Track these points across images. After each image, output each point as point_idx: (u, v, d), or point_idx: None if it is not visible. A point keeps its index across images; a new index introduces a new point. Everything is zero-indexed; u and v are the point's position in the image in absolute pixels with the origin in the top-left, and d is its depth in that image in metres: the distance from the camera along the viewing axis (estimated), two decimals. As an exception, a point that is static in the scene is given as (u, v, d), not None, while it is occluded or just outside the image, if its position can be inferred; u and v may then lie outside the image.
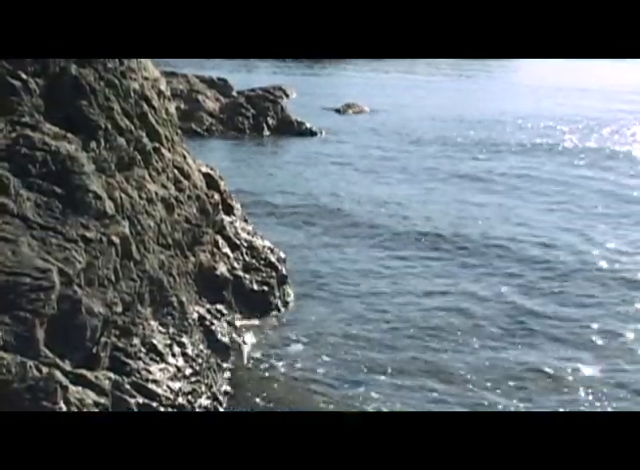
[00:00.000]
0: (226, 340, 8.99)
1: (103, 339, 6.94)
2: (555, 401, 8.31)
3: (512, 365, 9.13)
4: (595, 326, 10.36)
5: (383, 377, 8.72)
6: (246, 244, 11.07)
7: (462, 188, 18.50)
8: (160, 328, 7.96)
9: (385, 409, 7.90)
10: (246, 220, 12.11)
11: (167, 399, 7.26)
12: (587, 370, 9.09)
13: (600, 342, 9.92)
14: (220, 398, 7.87)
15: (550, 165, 21.59)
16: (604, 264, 12.86)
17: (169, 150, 9.80)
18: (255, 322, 9.85)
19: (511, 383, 8.69)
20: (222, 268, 10.01)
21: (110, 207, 7.77)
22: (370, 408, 7.92)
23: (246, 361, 8.91)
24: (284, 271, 11.08)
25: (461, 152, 23.27)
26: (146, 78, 9.63)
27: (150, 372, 7.32)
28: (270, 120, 26.88)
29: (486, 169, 20.68)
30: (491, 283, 11.88)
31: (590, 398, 8.46)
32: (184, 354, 7.94)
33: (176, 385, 7.50)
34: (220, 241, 10.50)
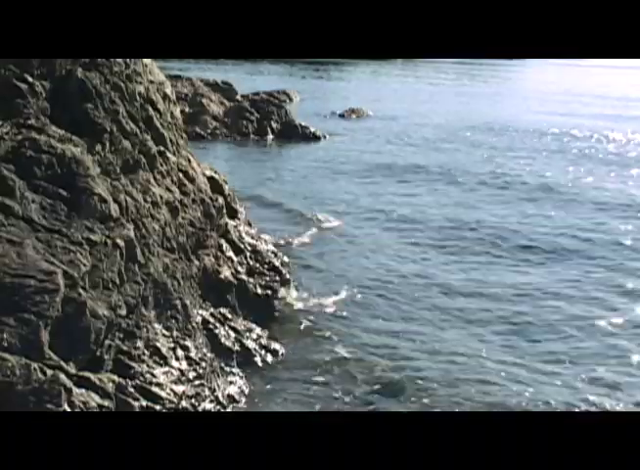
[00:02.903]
0: (229, 344, 8.99)
1: (107, 342, 6.95)
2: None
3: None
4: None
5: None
6: (249, 248, 11.08)
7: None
8: (164, 331, 7.96)
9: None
10: (249, 224, 12.12)
11: (171, 402, 7.26)
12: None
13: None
14: (224, 402, 7.86)
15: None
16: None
17: (174, 153, 9.81)
18: (259, 326, 9.84)
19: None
20: (226, 272, 10.02)
21: (115, 210, 7.78)
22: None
23: (249, 364, 8.91)
24: (287, 275, 11.08)
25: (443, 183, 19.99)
26: (151, 82, 9.65)
27: (153, 375, 7.32)
28: (274, 124, 26.95)
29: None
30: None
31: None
32: (188, 358, 7.94)
33: (180, 388, 7.50)
34: (224, 245, 10.51)
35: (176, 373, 7.63)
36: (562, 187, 19.67)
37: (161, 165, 9.30)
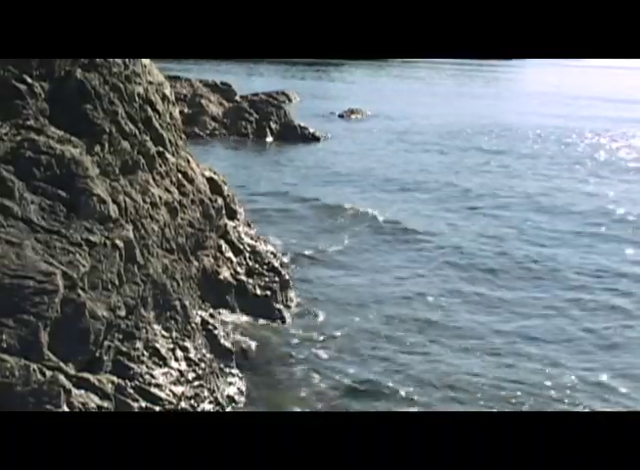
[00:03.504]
0: (229, 344, 8.98)
1: (106, 342, 6.94)
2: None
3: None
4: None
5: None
6: (249, 248, 11.07)
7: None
8: (164, 332, 7.95)
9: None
10: (249, 225, 12.12)
11: (170, 403, 7.25)
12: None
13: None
14: (223, 402, 7.85)
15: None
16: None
17: (173, 154, 9.81)
18: (258, 327, 9.83)
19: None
20: (225, 273, 10.01)
21: (114, 210, 7.77)
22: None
23: (248, 366, 8.90)
24: (287, 276, 11.08)
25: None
26: (150, 83, 9.64)
27: (153, 376, 7.31)
28: (273, 125, 26.95)
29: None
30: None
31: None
32: (187, 359, 7.93)
33: (179, 389, 7.49)
34: (224, 245, 10.51)
35: (175, 374, 7.62)
36: (564, 189, 19.69)
37: (161, 166, 9.29)
